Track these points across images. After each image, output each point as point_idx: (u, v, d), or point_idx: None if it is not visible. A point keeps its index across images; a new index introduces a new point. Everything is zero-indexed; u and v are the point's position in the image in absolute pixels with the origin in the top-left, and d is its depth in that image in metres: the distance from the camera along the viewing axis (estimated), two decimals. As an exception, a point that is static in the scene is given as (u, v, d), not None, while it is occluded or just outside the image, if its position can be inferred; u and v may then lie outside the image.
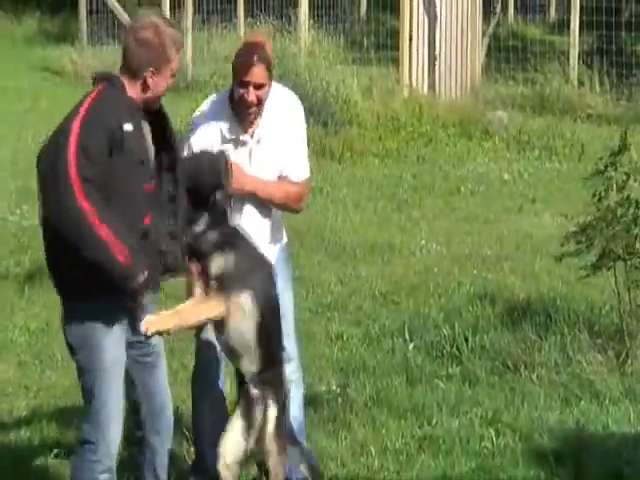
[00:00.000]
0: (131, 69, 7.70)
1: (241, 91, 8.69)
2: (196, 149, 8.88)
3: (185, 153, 8.92)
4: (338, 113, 21.15)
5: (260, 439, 8.26)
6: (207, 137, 8.98)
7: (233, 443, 8.24)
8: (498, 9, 30.09)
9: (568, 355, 11.09)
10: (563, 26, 28.61)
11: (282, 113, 9.11)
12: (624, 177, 11.24)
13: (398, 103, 23.57)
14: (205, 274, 8.04)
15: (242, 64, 8.73)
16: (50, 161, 7.38)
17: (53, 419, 9.86)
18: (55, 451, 9.15)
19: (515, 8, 34.58)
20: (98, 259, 7.30)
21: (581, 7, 26.75)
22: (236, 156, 8.81)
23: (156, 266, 7.76)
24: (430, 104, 24.00)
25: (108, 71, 8.11)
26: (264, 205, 9.02)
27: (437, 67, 25.48)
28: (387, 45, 28.05)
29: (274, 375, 8.34)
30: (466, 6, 25.69)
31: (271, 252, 9.05)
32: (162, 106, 8.06)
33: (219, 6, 30.66)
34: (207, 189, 8.21)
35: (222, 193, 8.25)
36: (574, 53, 26.33)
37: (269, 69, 8.77)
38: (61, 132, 7.44)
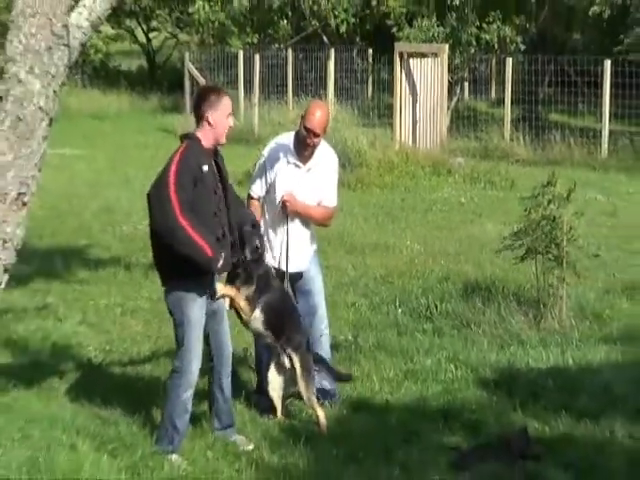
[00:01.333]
0: (199, 120, 8.84)
1: (305, 135, 9.88)
2: (268, 166, 10.08)
3: (257, 167, 10.30)
4: (353, 158, 23.07)
5: (293, 376, 9.52)
6: (277, 159, 10.11)
7: (273, 377, 9.58)
8: (458, 91, 31.95)
9: (503, 317, 12.42)
10: (500, 102, 30.45)
11: (326, 160, 10.29)
12: (546, 202, 12.52)
13: (392, 152, 25.52)
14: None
15: (310, 113, 9.95)
16: (158, 192, 8.51)
17: (166, 357, 10.67)
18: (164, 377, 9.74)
19: (469, 90, 35.75)
20: (193, 253, 8.36)
21: (511, 90, 28.95)
22: (292, 176, 10.01)
23: (227, 257, 8.73)
24: (413, 153, 26.09)
25: (189, 132, 9.01)
26: (306, 220, 10.23)
27: (417, 129, 27.62)
28: (385, 114, 29.92)
29: (290, 335, 9.50)
30: (437, 89, 27.70)
31: (309, 250, 10.35)
32: (220, 152, 9.07)
33: (276, 88, 32.04)
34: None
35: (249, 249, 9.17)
36: (507, 120, 28.87)
37: (324, 127, 10.02)
38: (165, 174, 8.51)
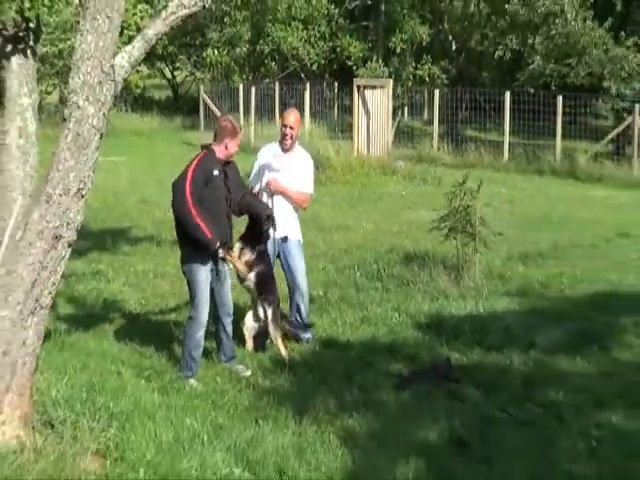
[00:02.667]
0: (219, 140, 8.94)
1: (283, 129, 10.12)
2: (260, 161, 10.22)
3: (255, 165, 10.30)
4: (323, 162, 22.53)
5: (265, 322, 9.59)
6: (266, 154, 10.27)
7: (248, 322, 9.66)
8: (399, 114, 32.43)
9: (433, 278, 12.42)
10: (430, 122, 30.36)
11: (302, 157, 10.40)
12: (463, 194, 12.58)
13: (352, 158, 25.47)
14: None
15: (286, 115, 10.32)
16: (178, 187, 8.63)
17: (186, 308, 10.11)
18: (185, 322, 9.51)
19: (407, 113, 35.47)
20: (197, 235, 8.54)
21: (438, 112, 29.01)
22: (276, 164, 10.06)
23: (225, 238, 8.86)
24: (367, 159, 26.07)
25: (207, 143, 9.09)
26: (288, 200, 10.15)
27: (370, 141, 27.42)
28: (347, 130, 29.61)
29: (268, 296, 9.59)
30: (384, 112, 27.45)
31: (292, 221, 10.22)
32: (233, 161, 9.14)
33: (267, 111, 32.25)
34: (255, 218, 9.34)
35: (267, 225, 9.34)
36: (435, 134, 28.90)
37: (296, 122, 10.23)
38: (184, 174, 8.68)
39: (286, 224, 10.09)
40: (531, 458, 7.06)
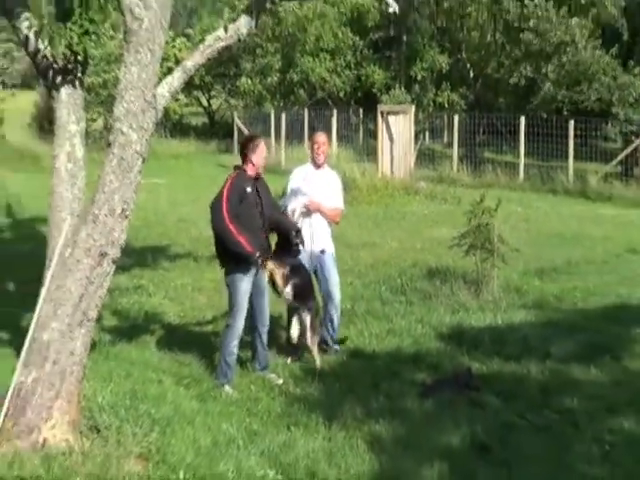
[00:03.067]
0: (245, 159, 9.05)
1: (315, 146, 10.26)
2: (293, 183, 10.27)
3: (288, 186, 10.35)
4: (349, 183, 21.95)
5: (304, 330, 9.58)
6: (298, 176, 10.34)
7: (294, 328, 9.58)
8: (421, 137, 32.11)
9: (454, 292, 12.34)
10: (450, 145, 30.10)
11: (332, 176, 10.54)
12: (481, 213, 12.55)
13: (376, 179, 25.38)
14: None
15: (315, 135, 10.54)
16: (215, 207, 8.73)
17: (222, 319, 10.37)
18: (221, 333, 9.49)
19: (428, 137, 35.45)
20: (238, 249, 8.63)
21: (457, 136, 28.85)
22: (310, 182, 10.18)
23: (263, 250, 8.89)
24: (391, 180, 25.93)
25: (239, 164, 9.14)
26: (323, 216, 10.21)
27: (394, 163, 27.26)
28: (371, 153, 29.27)
29: (309, 303, 9.61)
30: (407, 136, 27.25)
31: (327, 238, 10.31)
32: (262, 177, 9.20)
33: (297, 135, 31.86)
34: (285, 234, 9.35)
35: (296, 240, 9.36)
36: (455, 156, 28.72)
37: (326, 141, 10.39)
38: (220, 194, 8.75)
39: (323, 238, 10.23)
40: (548, 462, 7.02)
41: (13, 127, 27.98)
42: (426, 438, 7.45)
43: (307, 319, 9.63)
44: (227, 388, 8.73)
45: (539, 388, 8.78)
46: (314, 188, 10.24)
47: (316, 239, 10.08)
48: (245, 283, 8.86)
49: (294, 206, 10.13)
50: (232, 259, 8.83)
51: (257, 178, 9.07)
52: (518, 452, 7.21)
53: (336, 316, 10.33)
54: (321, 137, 10.45)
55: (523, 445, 7.36)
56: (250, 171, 9.00)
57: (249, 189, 8.86)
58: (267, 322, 9.26)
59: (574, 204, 23.84)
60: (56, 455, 6.38)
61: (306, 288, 9.69)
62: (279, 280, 9.35)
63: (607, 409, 8.25)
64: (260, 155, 9.03)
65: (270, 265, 9.15)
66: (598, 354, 9.82)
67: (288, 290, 9.45)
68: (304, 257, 9.87)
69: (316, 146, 10.30)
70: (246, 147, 9.09)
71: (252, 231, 8.83)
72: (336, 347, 10.23)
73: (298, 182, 10.34)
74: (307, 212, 10.14)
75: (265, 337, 9.25)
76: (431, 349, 10.24)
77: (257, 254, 8.73)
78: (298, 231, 9.44)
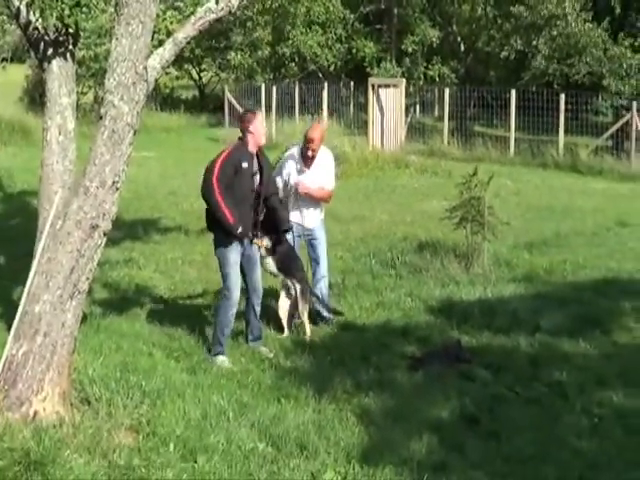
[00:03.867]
0: (244, 132, 8.93)
1: (307, 144, 10.03)
2: (285, 166, 10.20)
3: (279, 165, 10.39)
4: (340, 157, 21.74)
5: (295, 298, 9.72)
6: (289, 165, 10.18)
7: (282, 302, 9.79)
8: (411, 111, 32.04)
9: (444, 265, 12.34)
10: (441, 118, 30.00)
11: (324, 157, 10.27)
12: (474, 186, 12.54)
13: (367, 153, 25.35)
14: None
15: (311, 130, 10.14)
16: (207, 176, 8.69)
17: (212, 294, 10.80)
18: (212, 307, 9.96)
19: (419, 110, 35.26)
20: (222, 220, 8.61)
21: (448, 110, 28.79)
22: (302, 176, 10.10)
23: (248, 225, 8.89)
24: (381, 153, 25.97)
25: (240, 136, 9.01)
26: (314, 198, 10.22)
27: (384, 137, 27.43)
28: (362, 127, 29.40)
29: (294, 273, 9.69)
30: (397, 109, 27.58)
31: (315, 214, 10.33)
32: (264, 152, 9.20)
33: (287, 109, 32.09)
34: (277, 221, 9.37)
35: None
36: (445, 130, 28.56)
37: (320, 138, 10.07)
38: (214, 161, 8.73)
39: (309, 219, 10.27)
40: (537, 433, 7.06)
41: (4, 101, 27.87)
42: (415, 410, 7.48)
43: (297, 288, 9.69)
44: (222, 358, 8.76)
45: (528, 361, 8.81)
46: (306, 172, 10.21)
47: (306, 217, 10.15)
48: (234, 254, 8.86)
49: (280, 184, 10.13)
50: (220, 229, 8.82)
51: (258, 155, 9.02)
52: (507, 424, 7.24)
53: (325, 278, 10.40)
54: (316, 134, 10.12)
55: (512, 417, 7.40)
56: (252, 144, 8.93)
57: (245, 164, 8.81)
58: (260, 294, 9.26)
59: (564, 178, 23.84)
60: (47, 427, 6.39)
61: (291, 259, 9.73)
62: (262, 252, 9.41)
63: (596, 382, 8.28)
64: (259, 124, 8.94)
65: (254, 239, 9.18)
66: (588, 327, 9.87)
67: (269, 261, 9.51)
68: (294, 230, 9.93)
69: (308, 144, 10.09)
70: (243, 120, 9.02)
71: (241, 206, 8.81)
72: (327, 316, 10.26)
73: (290, 167, 10.27)
74: (296, 193, 10.15)
75: (258, 309, 9.25)
76: (420, 322, 10.23)
77: (239, 228, 8.73)
78: (287, 230, 9.56)
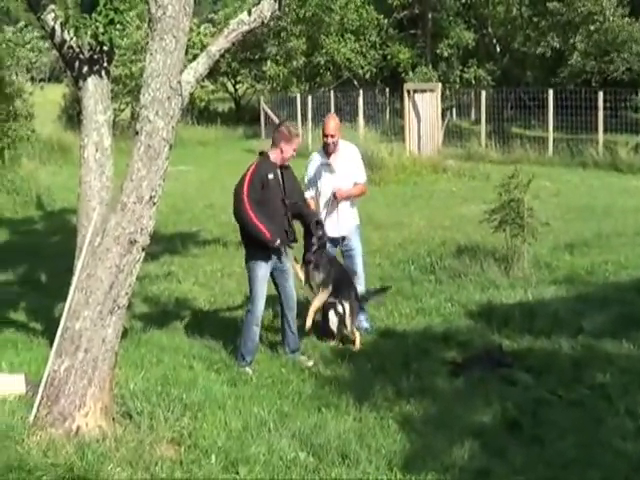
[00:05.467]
0: (275, 145, 9.02)
1: (325, 139, 10.13)
2: (310, 171, 10.26)
3: (306, 175, 10.30)
4: (377, 163, 22.78)
5: (344, 316, 9.73)
6: (314, 165, 10.25)
7: (332, 318, 9.78)
8: (448, 115, 32.01)
9: (483, 269, 12.34)
10: (477, 121, 30.17)
11: (347, 151, 10.33)
12: (513, 188, 12.51)
13: (404, 158, 25.35)
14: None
15: (326, 123, 10.22)
16: (237, 192, 8.75)
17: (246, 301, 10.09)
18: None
19: (456, 114, 35.15)
20: (260, 237, 8.66)
21: (485, 112, 28.73)
22: (325, 171, 10.14)
23: (283, 238, 8.90)
24: (418, 158, 25.94)
25: (263, 150, 9.24)
26: (353, 197, 10.31)
27: (421, 142, 27.27)
28: (398, 133, 29.39)
29: (344, 293, 9.69)
30: (434, 114, 27.37)
31: (352, 221, 10.34)
32: (289, 166, 9.20)
33: (322, 118, 31.96)
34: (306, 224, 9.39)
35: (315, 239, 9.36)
36: (483, 133, 28.52)
37: (336, 129, 10.11)
38: (242, 179, 8.76)
39: (348, 220, 10.28)
40: (580, 437, 7.00)
41: (43, 120, 28.11)
42: (457, 416, 7.46)
43: (346, 306, 9.72)
44: (247, 370, 8.79)
45: (571, 363, 8.73)
46: (326, 181, 10.20)
47: (341, 221, 10.16)
48: (263, 269, 8.91)
49: (312, 194, 10.25)
50: (252, 244, 8.87)
51: (284, 167, 9.06)
52: (550, 428, 7.20)
53: (360, 287, 10.29)
54: (331, 125, 10.16)
55: (555, 421, 7.34)
56: (276, 158, 8.97)
57: (271, 175, 8.85)
58: (294, 306, 9.29)
59: (604, 177, 23.65)
60: (89, 442, 6.46)
61: (340, 279, 9.71)
62: (301, 275, 9.45)
63: (640, 383, 8.18)
64: (292, 147, 8.99)
65: (297, 267, 9.29)
66: (631, 328, 9.74)
67: (326, 293, 9.51)
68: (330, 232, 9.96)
69: (326, 139, 10.16)
70: (281, 135, 9.03)
71: (274, 217, 8.84)
72: (366, 326, 10.26)
73: (315, 170, 10.31)
74: (336, 201, 10.16)
75: (293, 321, 9.28)
76: (461, 327, 10.20)
77: (277, 241, 8.76)
78: (318, 222, 9.49)
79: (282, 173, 9.02)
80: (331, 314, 9.81)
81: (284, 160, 9.02)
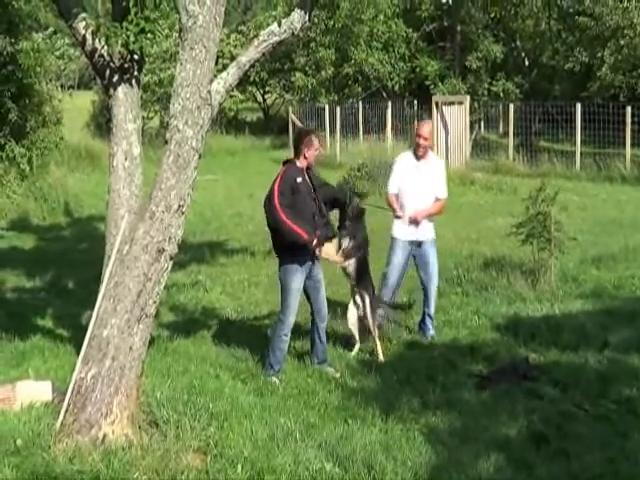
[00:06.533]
0: (298, 152, 9.04)
1: (417, 139, 10.24)
2: (397, 170, 10.38)
3: (392, 174, 10.44)
4: None
5: (364, 311, 9.75)
6: (402, 164, 10.41)
7: (351, 311, 9.85)
8: (476, 127, 32.00)
9: (510, 282, 12.28)
10: (505, 134, 29.96)
11: (435, 163, 10.56)
12: (541, 201, 12.45)
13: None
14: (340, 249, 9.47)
15: (420, 126, 10.37)
16: (268, 201, 8.73)
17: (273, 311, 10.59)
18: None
19: (484, 127, 35.25)
20: (294, 239, 8.63)
21: (513, 125, 28.70)
22: (413, 172, 10.26)
23: (320, 235, 8.86)
24: (446, 171, 26.09)
25: (288, 158, 9.22)
26: (435, 214, 10.55)
27: (449, 154, 27.35)
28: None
29: (366, 283, 9.74)
30: (462, 126, 27.55)
31: (431, 226, 10.54)
32: (315, 169, 9.25)
33: (351, 129, 32.20)
34: (342, 203, 9.43)
35: (350, 207, 9.45)
36: (510, 146, 28.44)
37: (429, 134, 10.30)
38: (272, 189, 8.74)
39: (426, 224, 10.39)
40: (606, 451, 6.94)
41: (71, 128, 28.23)
42: (483, 429, 7.43)
43: (366, 298, 9.72)
44: (274, 379, 8.77)
45: (597, 377, 8.68)
46: (413, 182, 10.28)
47: (420, 226, 10.29)
48: (297, 281, 8.90)
49: (395, 191, 10.40)
50: (287, 252, 8.87)
51: (308, 168, 9.11)
52: (576, 442, 7.14)
53: (433, 301, 10.51)
54: (425, 129, 10.32)
55: (581, 435, 7.30)
56: (300, 164, 9.01)
57: (299, 179, 8.88)
58: (325, 317, 9.28)
59: (632, 191, 23.52)
60: (116, 450, 6.47)
61: (366, 266, 9.75)
62: (335, 258, 9.46)
63: (667, 398, 8.08)
64: (313, 149, 9.03)
65: (331, 248, 9.25)
66: (657, 343, 9.66)
67: (351, 263, 9.54)
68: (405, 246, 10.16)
69: (418, 139, 10.26)
70: (300, 141, 9.10)
71: (307, 219, 8.84)
72: (431, 332, 10.39)
73: (402, 169, 10.41)
74: (413, 223, 10.27)
75: (323, 332, 9.27)
76: (487, 340, 10.17)
77: (314, 240, 8.77)
78: (352, 192, 9.71)
79: (308, 174, 9.09)
80: (350, 307, 9.87)
81: (309, 164, 9.08)
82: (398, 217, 10.35)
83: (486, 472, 6.61)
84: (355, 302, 9.82)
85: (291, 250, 8.82)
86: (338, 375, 9.00)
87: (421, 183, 10.28)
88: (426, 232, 10.41)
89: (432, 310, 10.55)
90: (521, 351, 9.63)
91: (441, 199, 10.51)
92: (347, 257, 9.51)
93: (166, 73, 33.40)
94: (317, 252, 8.95)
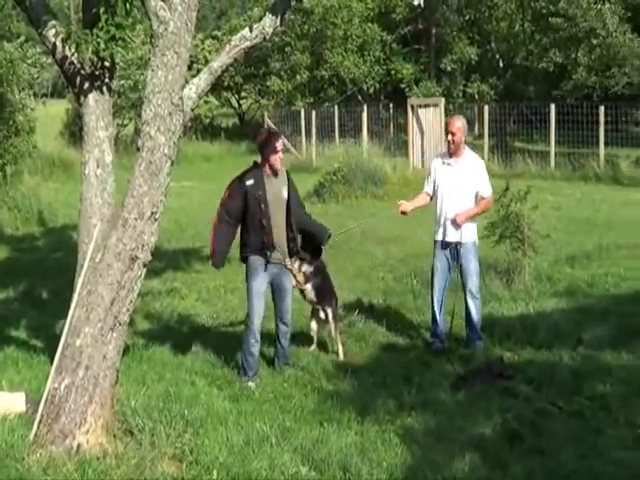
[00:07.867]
0: (261, 155, 9.00)
1: (447, 137, 10.00)
2: (433, 171, 10.22)
3: (429, 176, 10.31)
4: (380, 178, 22.63)
5: (327, 322, 9.92)
6: (436, 163, 10.25)
7: (314, 325, 10.03)
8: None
9: (485, 282, 12.12)
10: (480, 135, 30.17)
11: (471, 158, 10.14)
12: (510, 200, 12.54)
13: (407, 173, 25.40)
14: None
15: (450, 121, 10.06)
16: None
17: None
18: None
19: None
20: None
21: (488, 127, 28.94)
22: (447, 170, 10.05)
23: (256, 249, 8.82)
24: (422, 172, 24.39)
25: (256, 160, 9.10)
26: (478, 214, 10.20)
27: (424, 156, 27.50)
28: (402, 147, 29.56)
29: (328, 299, 9.88)
30: (437, 128, 27.51)
31: (473, 228, 10.16)
32: (286, 171, 9.11)
33: (327, 133, 32.39)
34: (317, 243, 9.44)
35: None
36: (486, 147, 28.52)
37: (459, 129, 9.91)
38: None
39: (460, 230, 10.06)
40: (581, 447, 6.99)
41: (45, 136, 28.11)
42: (458, 429, 7.45)
43: (329, 312, 9.88)
44: (250, 384, 8.77)
45: (571, 374, 8.72)
46: (447, 180, 10.09)
47: (453, 231, 10.06)
48: (257, 283, 8.86)
49: (429, 190, 10.36)
50: (246, 258, 8.92)
51: (275, 172, 8.94)
52: (550, 439, 7.19)
53: (474, 306, 10.18)
54: (453, 125, 9.97)
55: (555, 432, 7.34)
56: (262, 167, 8.94)
57: (250, 182, 8.81)
58: (287, 323, 9.22)
59: (606, 190, 23.75)
60: (90, 459, 6.45)
61: (326, 288, 9.88)
62: (299, 279, 9.50)
63: (640, 394, 8.17)
64: (274, 150, 8.87)
65: (289, 265, 9.16)
66: (630, 339, 9.78)
67: (308, 288, 9.65)
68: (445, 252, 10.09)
69: (447, 135, 10.06)
70: (260, 143, 9.04)
71: (254, 224, 8.81)
72: (479, 343, 10.07)
73: (435, 168, 10.31)
74: (455, 225, 10.03)
75: (284, 337, 9.24)
76: (463, 339, 10.21)
77: (218, 260, 8.83)
78: (330, 236, 9.44)
79: (273, 182, 8.91)
80: (313, 322, 10.06)
81: (274, 167, 8.91)
82: (404, 213, 10.46)
83: (461, 471, 6.63)
84: (318, 317, 9.98)
85: (244, 248, 8.91)
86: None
87: (454, 181, 10.01)
88: (465, 234, 10.05)
89: (475, 317, 10.17)
90: (496, 350, 9.66)
91: (485, 197, 10.13)
92: (306, 281, 9.60)
93: (141, 77, 33.34)
94: (287, 263, 8.98)
